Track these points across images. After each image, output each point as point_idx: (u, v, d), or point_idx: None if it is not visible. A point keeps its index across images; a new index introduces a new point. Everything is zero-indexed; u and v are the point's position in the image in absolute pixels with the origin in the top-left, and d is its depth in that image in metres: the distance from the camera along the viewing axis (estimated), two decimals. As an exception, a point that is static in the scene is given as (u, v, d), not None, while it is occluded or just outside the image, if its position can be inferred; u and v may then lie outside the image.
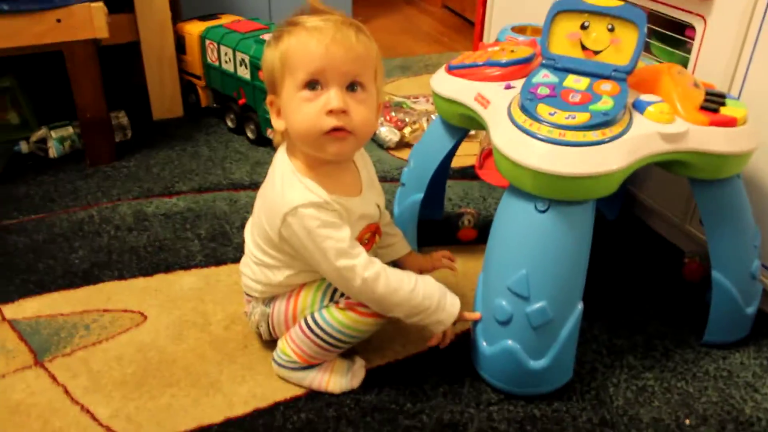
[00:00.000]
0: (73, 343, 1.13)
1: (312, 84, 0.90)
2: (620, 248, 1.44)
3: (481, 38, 2.12)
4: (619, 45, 0.99)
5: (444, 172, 1.40)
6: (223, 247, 1.40)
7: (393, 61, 2.56)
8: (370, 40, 0.93)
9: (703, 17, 1.22)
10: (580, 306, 0.99)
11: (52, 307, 1.22)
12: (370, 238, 1.05)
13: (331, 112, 0.89)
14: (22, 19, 1.49)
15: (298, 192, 0.93)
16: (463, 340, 1.13)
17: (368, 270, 0.94)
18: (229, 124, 1.91)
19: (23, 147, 1.74)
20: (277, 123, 0.97)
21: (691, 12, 1.24)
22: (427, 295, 0.97)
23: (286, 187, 0.95)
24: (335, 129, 0.90)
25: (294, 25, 0.91)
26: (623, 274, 1.35)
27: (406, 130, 1.87)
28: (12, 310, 1.21)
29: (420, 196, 1.30)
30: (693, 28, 1.25)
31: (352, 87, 0.91)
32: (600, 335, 1.18)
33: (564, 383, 1.05)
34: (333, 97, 0.89)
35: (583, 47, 1.02)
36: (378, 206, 1.06)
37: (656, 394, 1.06)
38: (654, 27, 1.34)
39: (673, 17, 1.29)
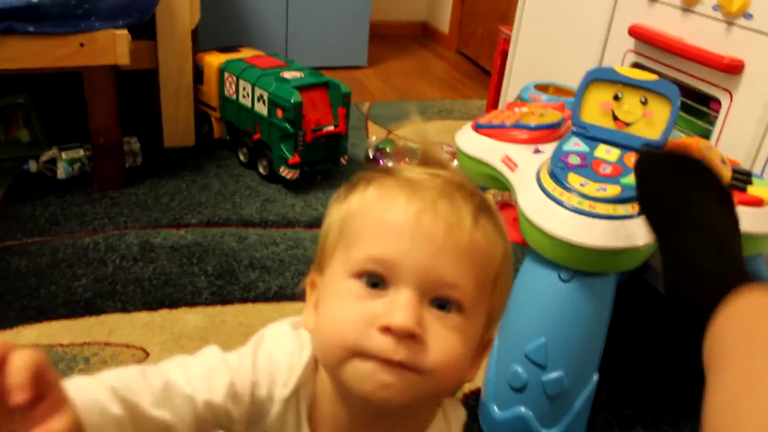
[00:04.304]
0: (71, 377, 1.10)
1: (371, 276, 0.51)
2: (630, 314, 1.42)
3: (498, 89, 2.13)
4: (652, 119, 0.99)
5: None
6: (230, 285, 1.37)
7: (407, 104, 2.57)
8: (498, 232, 0.54)
9: (729, 92, 1.23)
10: (595, 377, 0.98)
11: (52, 336, 1.19)
12: None
13: (388, 330, 0.48)
14: (46, 41, 1.48)
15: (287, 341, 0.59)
16: (472, 402, 1.10)
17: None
18: (242, 158, 1.89)
19: (32, 166, 1.71)
20: (308, 318, 0.56)
21: (717, 86, 1.24)
22: None
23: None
24: (386, 359, 0.48)
25: (384, 174, 0.56)
26: (633, 341, 1.33)
27: (419, 178, 1.85)
28: (10, 337, 1.18)
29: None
30: (718, 102, 1.26)
31: (441, 303, 0.50)
32: (609, 402, 1.15)
33: (573, 454, 1.03)
34: (400, 305, 0.49)
35: (615, 118, 1.02)
36: None
37: (667, 474, 1.04)
38: (678, 97, 1.35)
39: (698, 89, 1.29)
